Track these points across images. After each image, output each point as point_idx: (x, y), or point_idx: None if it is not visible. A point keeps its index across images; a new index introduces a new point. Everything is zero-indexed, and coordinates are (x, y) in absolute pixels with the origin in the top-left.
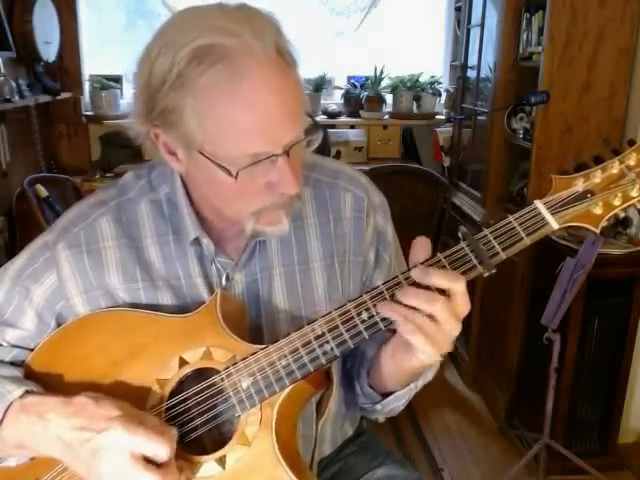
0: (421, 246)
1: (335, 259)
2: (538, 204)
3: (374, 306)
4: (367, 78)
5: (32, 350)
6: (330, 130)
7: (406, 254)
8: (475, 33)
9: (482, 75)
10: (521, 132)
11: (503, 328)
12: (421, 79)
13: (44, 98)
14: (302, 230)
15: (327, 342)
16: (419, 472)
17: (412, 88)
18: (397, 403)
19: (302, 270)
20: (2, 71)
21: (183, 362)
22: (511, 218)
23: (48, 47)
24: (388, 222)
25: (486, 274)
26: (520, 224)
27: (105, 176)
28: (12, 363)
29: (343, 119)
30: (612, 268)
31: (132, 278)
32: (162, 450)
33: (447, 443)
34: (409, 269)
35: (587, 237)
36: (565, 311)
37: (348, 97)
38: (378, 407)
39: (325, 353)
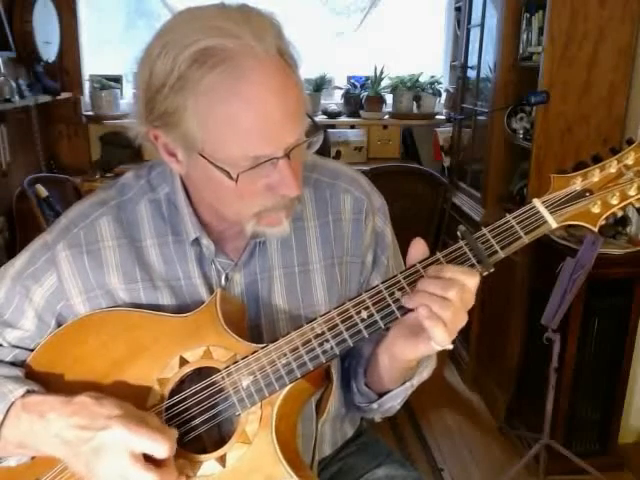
0: (418, 246)
1: (335, 260)
2: (536, 203)
3: (373, 305)
4: (367, 78)
5: (32, 350)
6: (330, 130)
7: (405, 254)
8: (475, 33)
9: (482, 75)
10: (521, 132)
11: (503, 328)
12: (421, 79)
13: (44, 98)
14: (302, 231)
15: (327, 341)
16: (419, 472)
17: (412, 88)
18: (393, 402)
19: (302, 272)
20: (2, 71)
21: (183, 361)
22: (510, 217)
23: (48, 47)
24: (387, 224)
25: (485, 273)
26: (519, 223)
27: (105, 176)
28: (13, 363)
29: (343, 119)
30: (612, 268)
31: (132, 278)
32: (162, 449)
33: (447, 443)
34: (407, 268)
35: (587, 237)
36: (565, 311)
37: (348, 97)
38: (374, 406)
39: (325, 352)
